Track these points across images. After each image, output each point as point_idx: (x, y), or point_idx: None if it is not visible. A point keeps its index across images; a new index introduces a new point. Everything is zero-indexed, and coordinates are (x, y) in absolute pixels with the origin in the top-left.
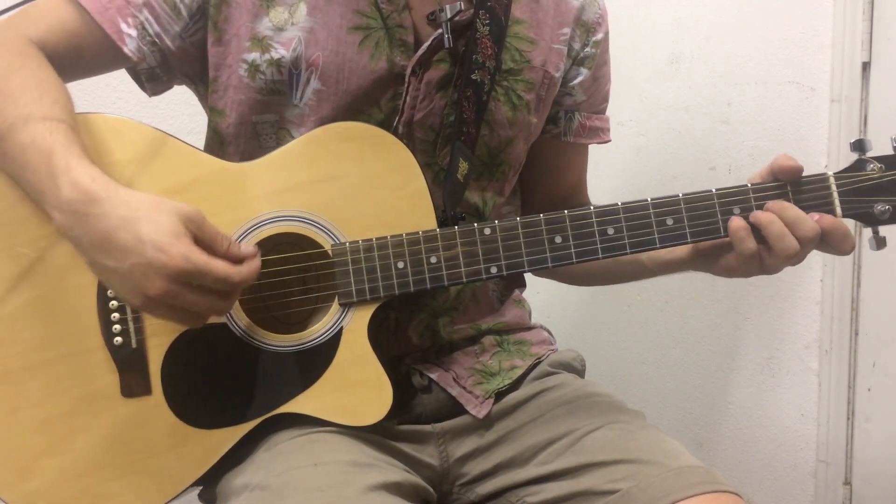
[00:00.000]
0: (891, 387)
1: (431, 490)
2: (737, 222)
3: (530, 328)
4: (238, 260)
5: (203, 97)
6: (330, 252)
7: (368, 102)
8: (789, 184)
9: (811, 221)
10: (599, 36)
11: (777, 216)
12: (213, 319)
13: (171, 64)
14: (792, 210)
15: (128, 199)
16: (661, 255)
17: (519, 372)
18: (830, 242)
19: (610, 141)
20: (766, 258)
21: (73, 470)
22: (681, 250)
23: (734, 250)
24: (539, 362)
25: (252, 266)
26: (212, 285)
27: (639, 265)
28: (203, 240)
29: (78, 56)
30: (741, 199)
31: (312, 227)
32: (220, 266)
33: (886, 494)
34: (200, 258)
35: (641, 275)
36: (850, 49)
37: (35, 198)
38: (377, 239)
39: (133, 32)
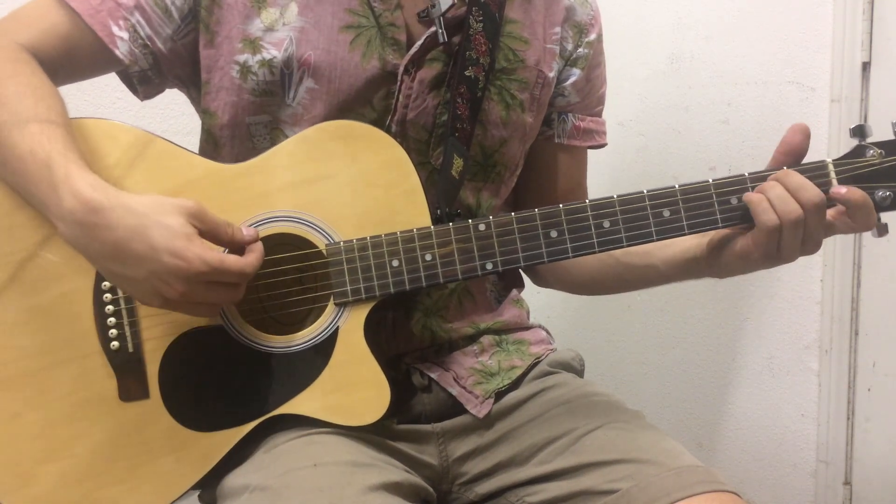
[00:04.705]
0: (891, 387)
1: (431, 490)
2: (753, 195)
3: (529, 328)
4: (242, 246)
5: (195, 100)
6: (324, 251)
7: (361, 102)
8: (793, 170)
9: (815, 189)
10: (592, 37)
11: (779, 182)
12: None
13: (163, 67)
14: (796, 176)
15: (131, 205)
16: (675, 258)
17: (518, 372)
18: (857, 217)
19: (606, 144)
20: (781, 236)
21: (74, 475)
22: (693, 249)
23: (755, 226)
24: (538, 362)
25: (257, 252)
26: (231, 280)
27: (652, 269)
28: (208, 232)
29: (70, 59)
30: (738, 189)
31: (306, 226)
32: (234, 263)
33: (886, 494)
34: (215, 258)
35: (655, 280)
36: (850, 49)
37: (38, 208)
38: (371, 237)
39: (124, 35)
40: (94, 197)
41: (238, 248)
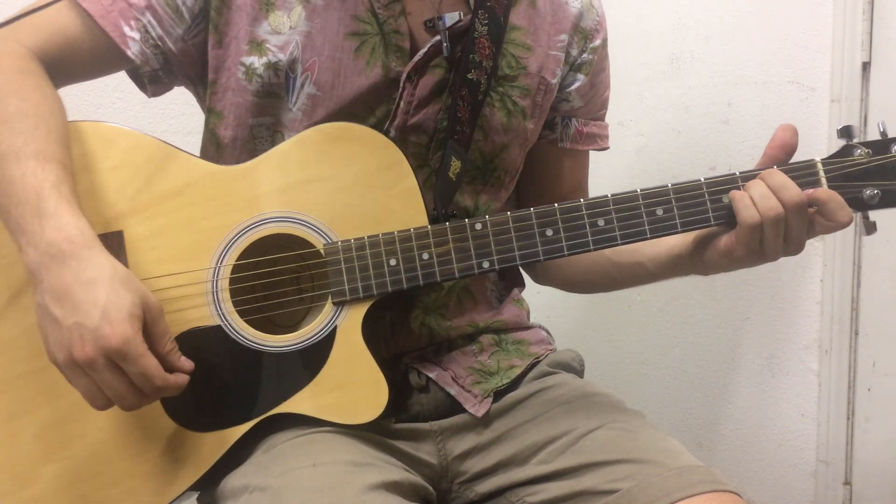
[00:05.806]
0: (891, 387)
1: (431, 489)
2: (736, 192)
3: (528, 327)
4: (171, 367)
5: (202, 99)
6: (322, 251)
7: (363, 107)
8: (777, 169)
9: (796, 188)
10: (597, 42)
11: (762, 181)
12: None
13: (174, 66)
14: (779, 176)
15: (102, 264)
16: (660, 256)
17: (517, 371)
18: (826, 213)
19: (608, 148)
20: (763, 234)
21: (71, 476)
22: (679, 247)
23: (737, 223)
24: (538, 362)
25: (179, 380)
26: (133, 378)
27: (640, 267)
28: (152, 332)
29: (80, 61)
30: (729, 188)
31: (304, 227)
32: (150, 364)
33: (886, 494)
34: (138, 348)
35: (643, 278)
36: (850, 49)
37: (12, 228)
38: (369, 237)
39: (136, 35)
40: (79, 240)
41: (165, 364)
